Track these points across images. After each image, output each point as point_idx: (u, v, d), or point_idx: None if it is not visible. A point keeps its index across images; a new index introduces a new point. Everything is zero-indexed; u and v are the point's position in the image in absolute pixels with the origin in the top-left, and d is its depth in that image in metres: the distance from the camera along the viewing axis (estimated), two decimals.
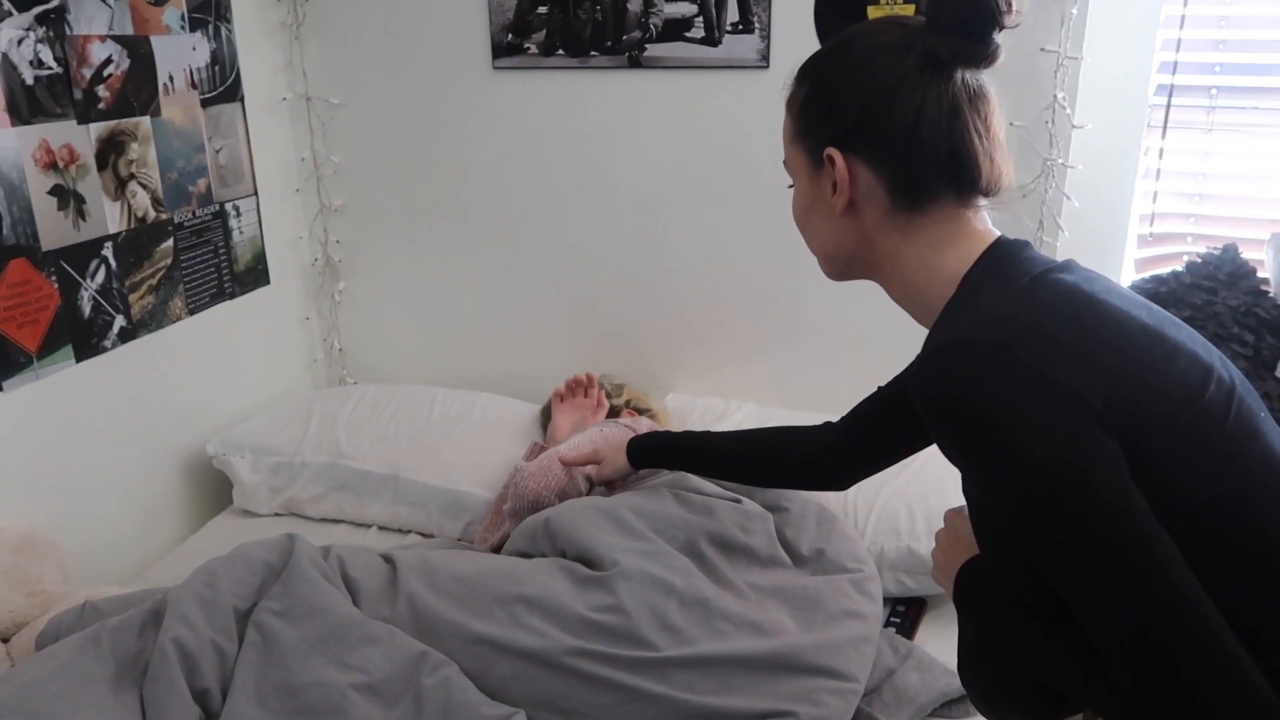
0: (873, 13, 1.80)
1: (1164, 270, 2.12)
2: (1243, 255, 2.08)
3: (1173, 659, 0.70)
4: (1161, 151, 2.16)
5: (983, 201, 0.91)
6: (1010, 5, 0.85)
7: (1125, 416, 0.75)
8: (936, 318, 0.91)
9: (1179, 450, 0.77)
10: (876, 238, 0.93)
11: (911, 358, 2.02)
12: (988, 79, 0.89)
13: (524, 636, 1.26)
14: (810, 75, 0.94)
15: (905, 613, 1.62)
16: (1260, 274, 2.07)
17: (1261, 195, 2.14)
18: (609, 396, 1.96)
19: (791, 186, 0.99)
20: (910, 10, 1.79)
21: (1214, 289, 2.01)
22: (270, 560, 1.36)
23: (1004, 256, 0.88)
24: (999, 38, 0.86)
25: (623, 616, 1.27)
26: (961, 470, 0.84)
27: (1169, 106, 2.13)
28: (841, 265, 0.99)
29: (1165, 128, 2.14)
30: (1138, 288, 2.09)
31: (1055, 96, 1.73)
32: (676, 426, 1.96)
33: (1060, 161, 1.76)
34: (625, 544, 1.38)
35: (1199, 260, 2.09)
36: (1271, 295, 2.03)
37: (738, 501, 1.54)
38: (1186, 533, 0.74)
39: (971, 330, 0.80)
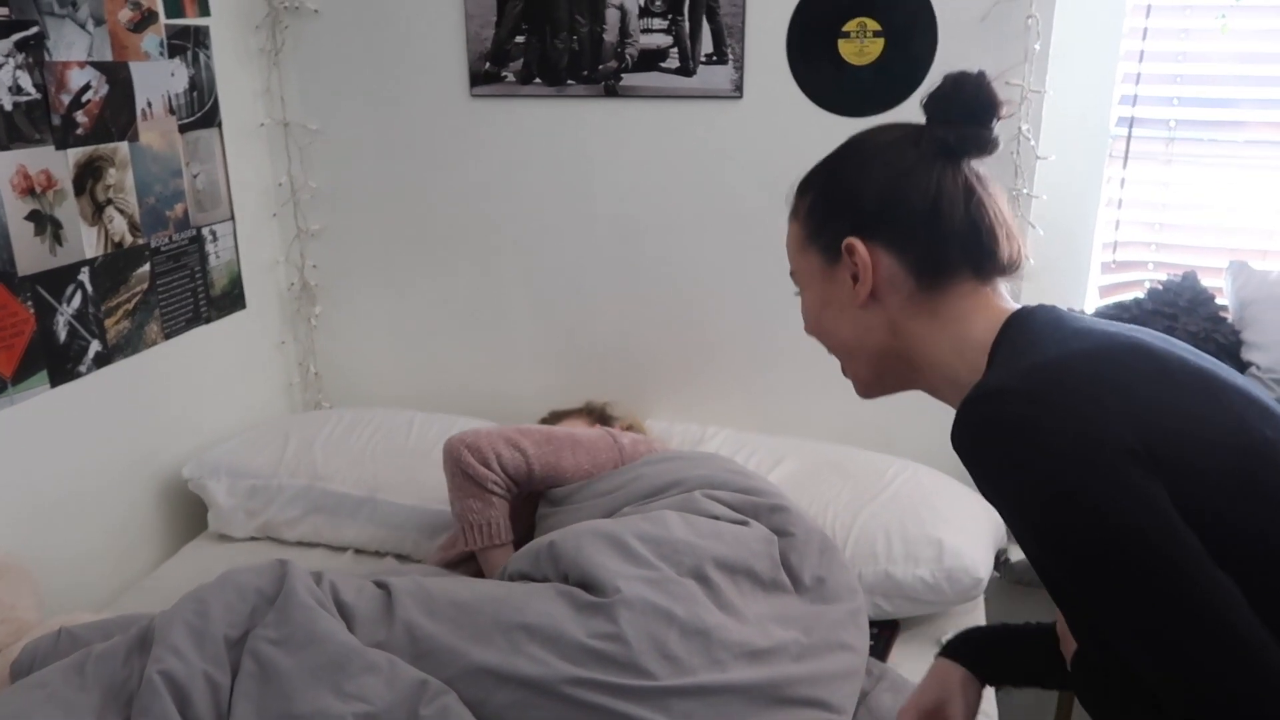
0: (843, 46, 1.85)
1: (1127, 297, 2.18)
2: (1202, 282, 2.14)
3: (1237, 710, 0.67)
4: (1123, 181, 2.23)
5: (1001, 281, 0.91)
6: (1002, 100, 0.90)
7: (1170, 459, 0.72)
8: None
9: (1234, 488, 0.73)
10: (902, 323, 0.91)
11: None
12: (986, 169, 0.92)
13: (524, 664, 1.25)
14: (817, 179, 0.96)
15: (879, 635, 1.64)
16: (1219, 301, 2.13)
17: (1219, 224, 2.20)
18: (603, 419, 1.96)
19: (799, 294, 0.98)
20: (880, 44, 1.84)
21: (1174, 315, 2.07)
22: (262, 587, 1.34)
23: (1028, 316, 0.88)
24: (997, 128, 0.90)
25: (623, 645, 1.27)
26: (1005, 520, 0.82)
27: (1130, 138, 2.19)
28: (873, 363, 0.95)
29: (1126, 158, 2.21)
30: (1101, 313, 2.14)
31: (1020, 129, 1.78)
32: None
33: (1025, 191, 1.81)
34: (629, 570, 1.37)
35: (1160, 287, 2.15)
36: (1229, 322, 2.09)
37: (745, 524, 1.54)
38: (1259, 580, 0.70)
39: (1005, 380, 0.78)
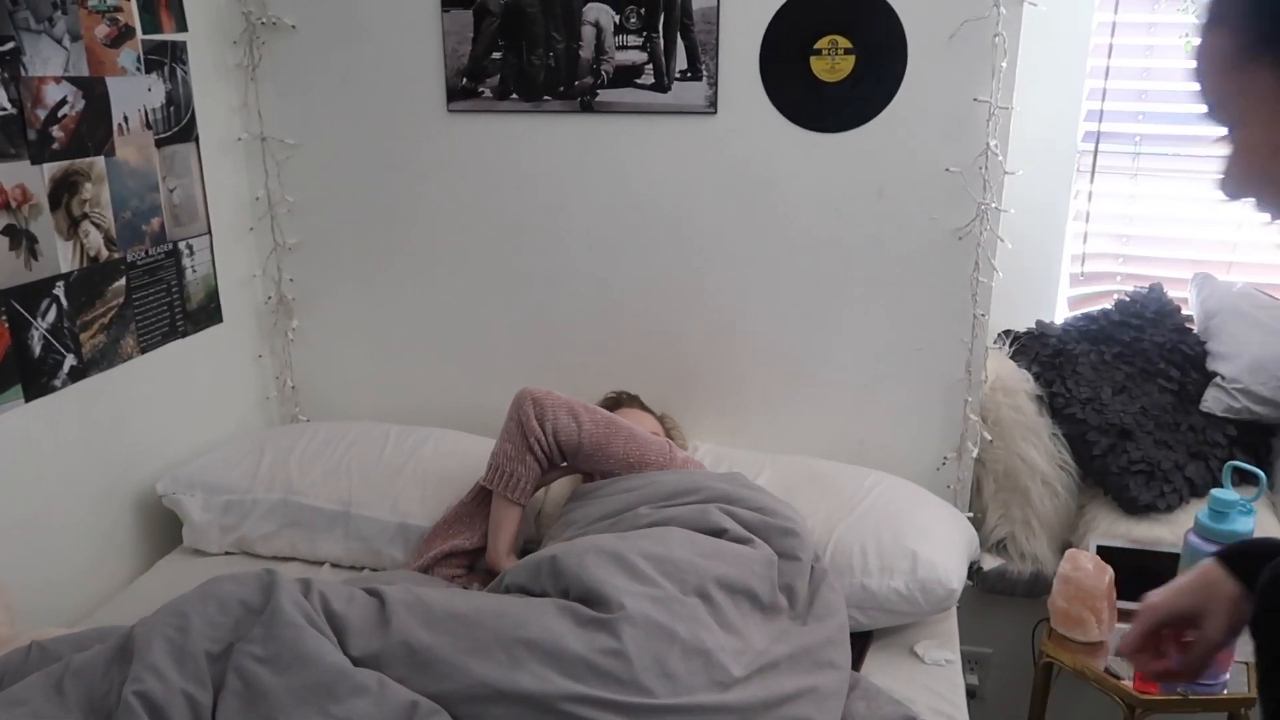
0: (815, 63, 1.88)
1: (1095, 309, 2.22)
2: (1168, 294, 2.18)
3: None
4: (1090, 195, 2.27)
5: None
6: None
7: None
8: None
9: None
10: None
11: (847, 387, 2.07)
12: None
13: (524, 679, 1.24)
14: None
15: (853, 645, 1.65)
16: (1184, 312, 2.17)
17: (1184, 237, 2.25)
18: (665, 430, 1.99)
19: (1226, 137, 0.71)
20: (851, 61, 1.87)
21: (1141, 326, 2.11)
22: (246, 598, 1.32)
23: None
24: None
25: (624, 662, 1.27)
26: None
27: (1096, 152, 2.24)
28: None
29: (1094, 172, 2.25)
30: (1070, 325, 2.18)
31: (988, 144, 1.81)
32: None
33: (994, 205, 1.84)
34: (634, 587, 1.37)
35: (1127, 299, 2.19)
36: (1195, 332, 2.13)
37: (749, 542, 1.55)
38: None
39: None
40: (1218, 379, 2.01)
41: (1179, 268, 2.23)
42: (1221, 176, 0.71)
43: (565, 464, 1.76)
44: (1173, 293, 2.19)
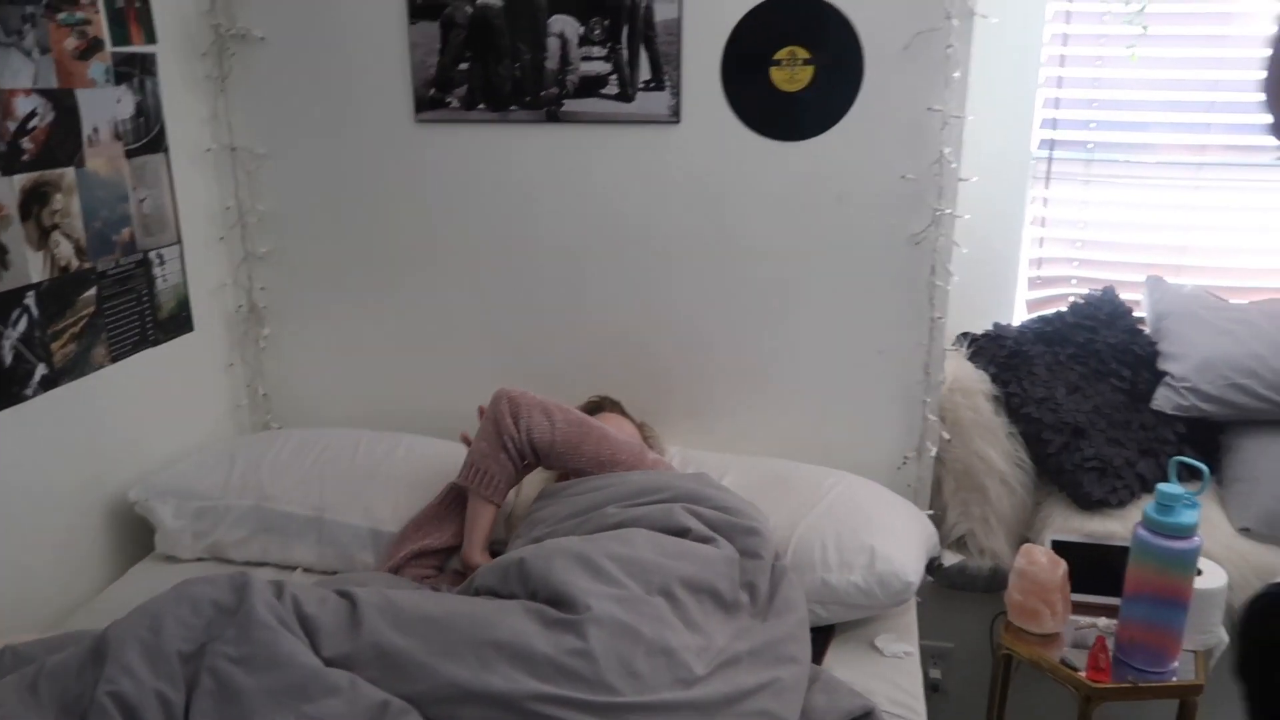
0: (775, 73, 1.93)
1: (1050, 311, 2.28)
2: (1120, 297, 2.25)
3: None
4: (1046, 201, 2.33)
5: None
6: None
7: None
8: None
9: None
10: None
11: (810, 389, 2.10)
12: None
13: (493, 680, 1.27)
14: None
15: (815, 640, 1.69)
16: (1136, 314, 2.24)
17: (1136, 241, 2.32)
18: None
19: None
20: (810, 72, 1.92)
21: (1094, 328, 2.17)
22: (218, 599, 1.34)
23: None
24: None
25: (590, 662, 1.30)
26: None
27: (1051, 160, 2.30)
28: None
29: (1048, 179, 2.32)
30: (1026, 327, 2.24)
31: (942, 152, 1.86)
32: None
33: (949, 212, 1.90)
34: (599, 589, 1.40)
35: (1081, 302, 2.25)
36: (1147, 333, 2.20)
37: (711, 541, 1.59)
38: None
39: None
40: (1168, 378, 2.07)
41: (1132, 271, 2.30)
42: None
43: (539, 463, 1.80)
44: (1125, 295, 2.25)
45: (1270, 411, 1.96)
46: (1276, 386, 1.94)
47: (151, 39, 2.00)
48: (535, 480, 1.94)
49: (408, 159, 2.13)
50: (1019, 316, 2.35)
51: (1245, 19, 2.18)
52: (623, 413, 2.04)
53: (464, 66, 2.05)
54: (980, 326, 2.25)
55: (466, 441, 1.88)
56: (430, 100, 2.09)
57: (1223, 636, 1.78)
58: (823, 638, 1.71)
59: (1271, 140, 0.73)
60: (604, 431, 1.81)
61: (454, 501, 1.89)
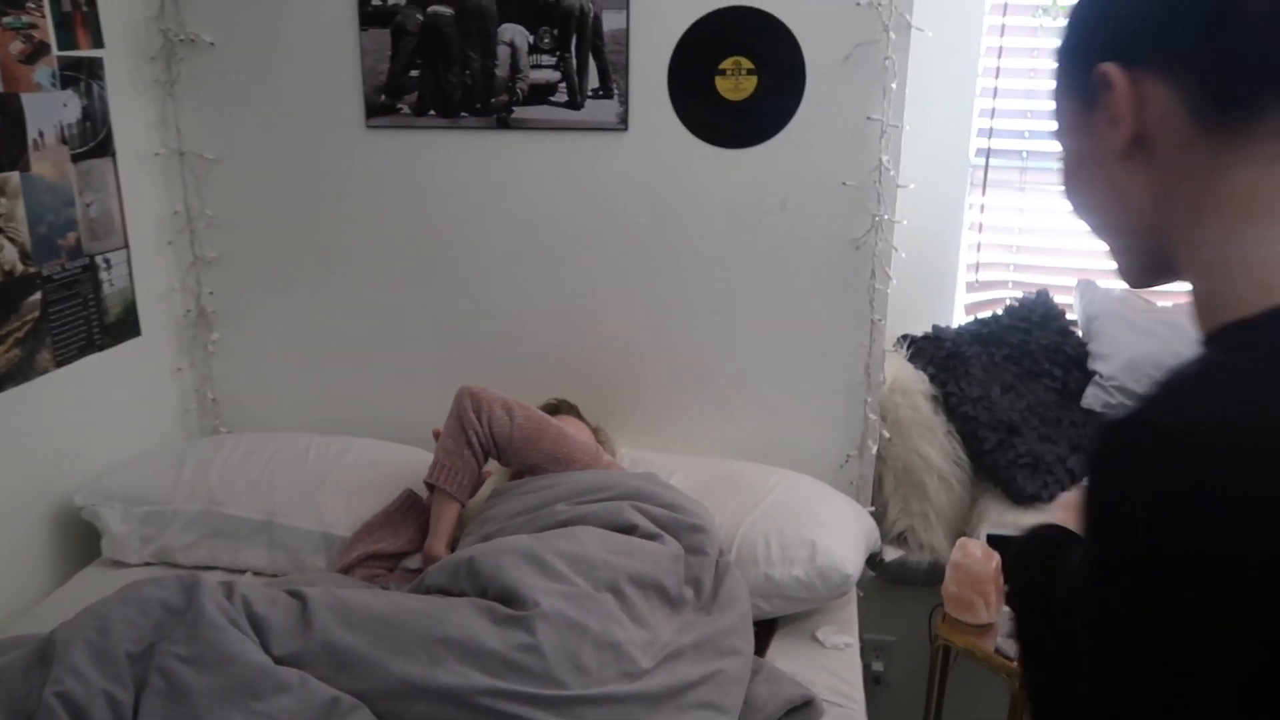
0: (720, 83, 1.98)
1: (987, 313, 2.36)
2: (1054, 300, 2.33)
3: None
4: (983, 207, 2.41)
5: None
6: None
7: None
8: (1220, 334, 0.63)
9: None
10: (1174, 186, 0.66)
11: (756, 390, 2.15)
12: None
13: (443, 676, 1.30)
14: (1075, 6, 0.73)
15: (758, 633, 1.74)
16: (1069, 316, 2.32)
17: (1069, 247, 2.40)
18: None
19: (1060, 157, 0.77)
20: (754, 81, 1.97)
21: (1028, 330, 2.25)
22: (167, 599, 1.35)
23: None
24: None
25: (539, 656, 1.34)
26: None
27: (987, 167, 2.38)
28: (1134, 239, 0.72)
29: (985, 186, 2.40)
30: (964, 329, 2.31)
31: (881, 160, 1.93)
32: None
33: (888, 217, 1.96)
34: (548, 585, 1.44)
35: (1016, 304, 2.33)
36: (1078, 335, 2.28)
37: (658, 538, 1.63)
38: None
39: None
40: (1097, 377, 2.15)
41: (1064, 275, 2.39)
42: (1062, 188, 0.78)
43: (498, 457, 1.84)
44: (1058, 298, 2.34)
45: None
46: None
47: (99, 43, 1.99)
48: (489, 480, 1.97)
49: (359, 165, 2.15)
50: (957, 319, 2.43)
51: None
52: (579, 416, 2.08)
53: (415, 73, 2.07)
54: (919, 328, 2.32)
55: (438, 437, 1.91)
56: (381, 106, 2.10)
57: None
58: (766, 630, 1.75)
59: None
60: (561, 430, 1.85)
61: (409, 507, 1.91)
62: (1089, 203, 0.73)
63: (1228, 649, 0.53)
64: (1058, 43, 0.74)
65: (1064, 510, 0.90)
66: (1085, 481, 0.60)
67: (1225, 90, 0.63)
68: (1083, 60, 0.69)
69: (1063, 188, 0.76)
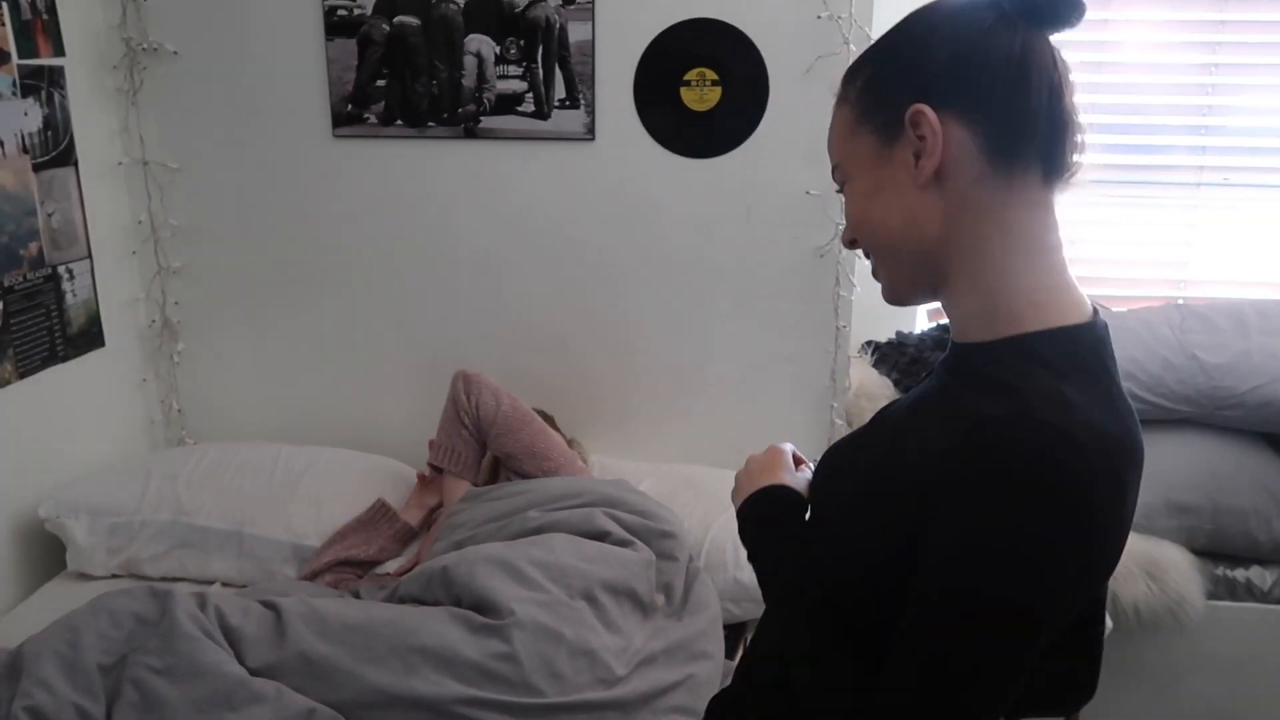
0: (685, 93, 2.01)
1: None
2: None
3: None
4: None
5: (1054, 191, 0.80)
6: None
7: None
8: (997, 344, 0.78)
9: None
10: (963, 215, 0.78)
11: (723, 396, 2.17)
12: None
13: (418, 685, 1.31)
14: (873, 55, 0.84)
15: (728, 637, 1.76)
16: None
17: None
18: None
19: (840, 190, 0.87)
20: (718, 92, 2.00)
21: None
22: (139, 610, 1.35)
23: (1101, 335, 0.80)
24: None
25: (515, 665, 1.35)
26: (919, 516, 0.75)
27: None
28: (915, 261, 0.82)
29: None
30: (926, 335, 2.35)
31: None
32: None
33: None
34: (522, 594, 1.45)
35: None
36: None
37: (630, 544, 1.65)
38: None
39: (1108, 426, 0.74)
40: None
41: None
42: (845, 226, 0.88)
43: (481, 439, 1.90)
44: None
45: (1146, 411, 2.11)
46: (1151, 388, 2.09)
47: (60, 52, 1.98)
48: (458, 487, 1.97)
49: (325, 174, 2.15)
50: (920, 324, 2.47)
51: (1118, 46, 2.34)
52: (555, 426, 2.09)
53: (381, 83, 2.08)
54: (884, 334, 2.36)
55: (432, 446, 1.97)
56: (348, 116, 2.11)
57: (1107, 623, 1.90)
58: (735, 634, 1.78)
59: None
60: (544, 427, 1.91)
61: (381, 517, 1.91)
62: (880, 226, 0.82)
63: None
64: (852, 85, 0.83)
65: (769, 474, 1.03)
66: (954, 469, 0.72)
67: (1008, 142, 0.77)
68: (892, 97, 0.79)
69: (852, 213, 0.85)
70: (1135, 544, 2.01)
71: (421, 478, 1.99)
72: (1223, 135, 2.36)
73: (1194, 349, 2.10)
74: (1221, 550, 2.01)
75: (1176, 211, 2.42)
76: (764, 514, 0.99)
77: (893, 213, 0.81)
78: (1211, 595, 1.98)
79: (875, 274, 0.87)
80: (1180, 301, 2.38)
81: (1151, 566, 1.94)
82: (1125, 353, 2.13)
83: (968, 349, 0.80)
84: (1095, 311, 0.81)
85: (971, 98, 0.77)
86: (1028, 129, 0.77)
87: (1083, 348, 0.77)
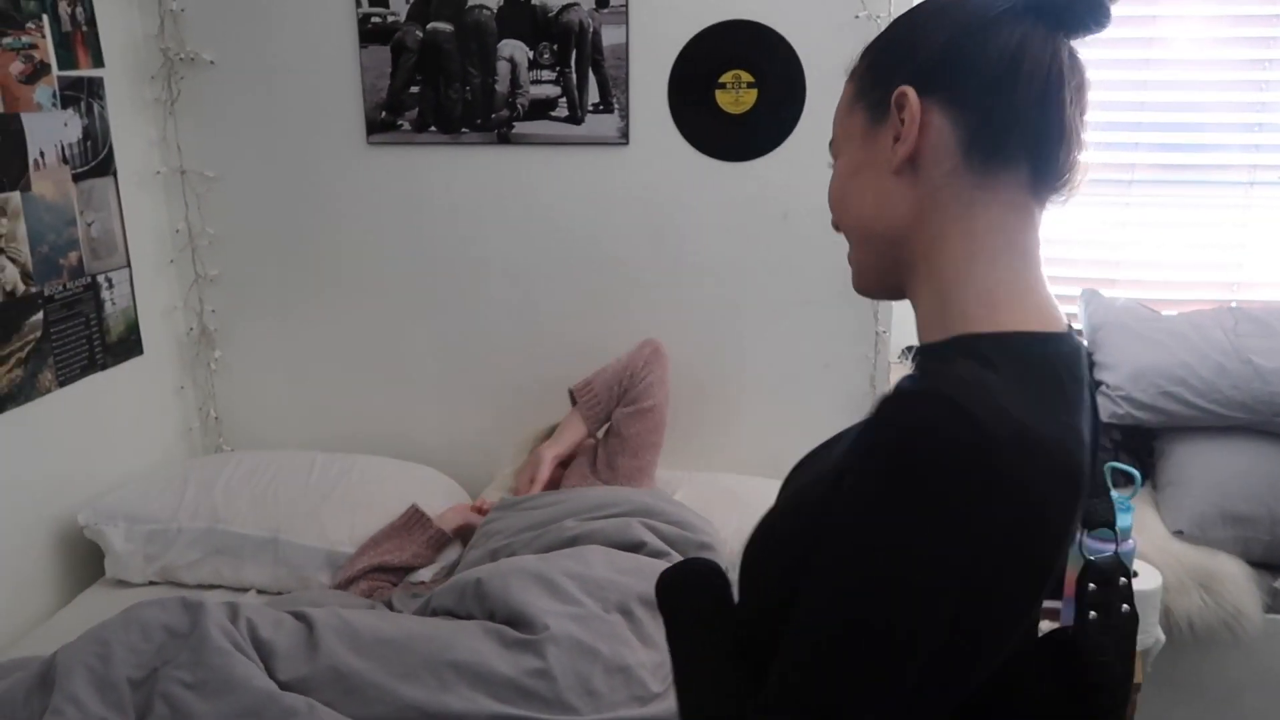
0: (720, 96, 1.98)
1: None
2: None
3: None
4: None
5: (1047, 204, 0.76)
6: None
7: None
8: (946, 341, 0.73)
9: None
10: (932, 207, 0.75)
11: (759, 403, 2.12)
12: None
13: (452, 701, 1.29)
14: (885, 32, 0.82)
15: None
16: (1075, 325, 2.31)
17: (1073, 256, 2.39)
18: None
19: (832, 165, 0.85)
20: (754, 95, 1.97)
21: None
22: (170, 623, 1.34)
23: (1075, 350, 0.73)
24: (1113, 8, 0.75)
25: (549, 681, 1.32)
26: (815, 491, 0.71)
27: None
28: (883, 250, 0.80)
29: None
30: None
31: None
32: None
33: None
34: (557, 608, 1.43)
35: None
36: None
37: (665, 555, 1.62)
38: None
39: (1010, 401, 0.63)
40: (1103, 387, 2.14)
41: (1069, 285, 2.38)
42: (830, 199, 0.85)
43: (618, 405, 1.97)
44: (1063, 308, 2.32)
45: (1199, 418, 2.04)
46: (1204, 394, 2.01)
47: (99, 63, 1.99)
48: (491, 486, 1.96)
49: (359, 181, 2.15)
50: None
51: (1167, 42, 2.27)
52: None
53: (415, 90, 2.07)
54: None
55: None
56: (382, 123, 2.10)
57: (1159, 636, 1.84)
58: None
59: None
60: (659, 445, 1.97)
61: (414, 523, 1.90)
62: (854, 207, 0.81)
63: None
64: (862, 61, 0.81)
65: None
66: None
67: (988, 138, 0.73)
68: (885, 78, 0.77)
69: (833, 190, 0.84)
70: (1189, 555, 1.94)
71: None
72: (1277, 133, 2.29)
73: (1249, 353, 2.02)
74: None
75: (1229, 211, 2.34)
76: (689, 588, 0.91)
77: (867, 195, 0.79)
78: (1269, 608, 1.91)
79: (849, 258, 0.85)
80: (1233, 304, 2.30)
81: (1206, 578, 1.88)
82: (1176, 357, 2.08)
83: (920, 351, 0.76)
84: (1070, 329, 0.75)
85: (957, 87, 0.74)
86: (1012, 129, 0.73)
87: (1037, 355, 0.70)
